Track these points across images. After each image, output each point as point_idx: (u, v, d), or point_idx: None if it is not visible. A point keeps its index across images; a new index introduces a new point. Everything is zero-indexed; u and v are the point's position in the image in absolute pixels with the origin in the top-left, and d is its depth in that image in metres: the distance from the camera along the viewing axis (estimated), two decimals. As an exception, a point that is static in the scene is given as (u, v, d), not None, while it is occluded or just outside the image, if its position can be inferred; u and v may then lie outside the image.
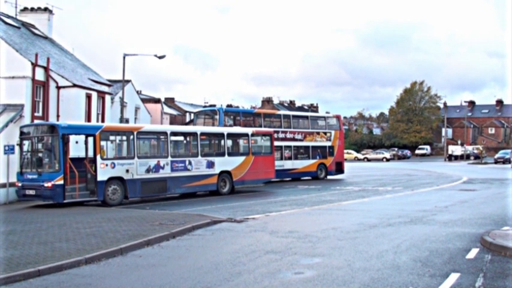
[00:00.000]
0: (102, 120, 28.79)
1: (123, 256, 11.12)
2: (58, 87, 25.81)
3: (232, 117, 31.77)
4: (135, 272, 9.79)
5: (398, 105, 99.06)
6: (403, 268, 9.60)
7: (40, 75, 25.10)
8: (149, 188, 21.83)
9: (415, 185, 30.07)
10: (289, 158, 33.59)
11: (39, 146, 20.52)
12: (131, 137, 21.58)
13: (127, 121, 35.60)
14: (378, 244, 11.90)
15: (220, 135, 25.79)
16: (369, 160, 76.37)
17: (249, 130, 27.43)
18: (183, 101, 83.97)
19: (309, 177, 35.44)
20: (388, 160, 75.31)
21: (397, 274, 9.18)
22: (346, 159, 46.94)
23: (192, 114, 53.60)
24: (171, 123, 57.78)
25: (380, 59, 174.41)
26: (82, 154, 21.21)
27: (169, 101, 75.99)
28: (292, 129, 34.01)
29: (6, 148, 21.33)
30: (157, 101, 53.82)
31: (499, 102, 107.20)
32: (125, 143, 22.20)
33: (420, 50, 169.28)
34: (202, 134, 24.79)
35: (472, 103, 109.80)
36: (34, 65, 24.52)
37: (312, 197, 23.41)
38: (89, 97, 27.44)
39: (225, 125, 29.84)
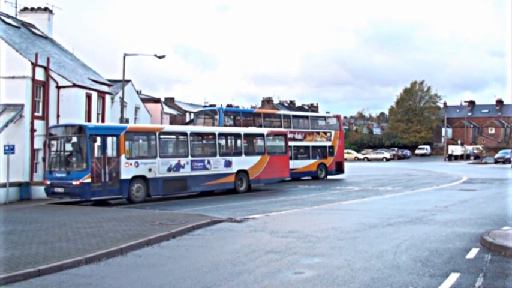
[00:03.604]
0: (102, 120, 28.77)
1: (123, 256, 11.12)
2: (58, 87, 25.79)
3: (232, 117, 31.77)
4: (135, 271, 9.80)
5: (399, 105, 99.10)
6: (403, 268, 9.60)
7: (40, 75, 25.09)
8: (170, 186, 22.65)
9: (415, 184, 30.07)
10: (290, 158, 33.52)
11: (67, 146, 21.06)
12: (153, 137, 22.35)
13: (127, 121, 35.59)
14: (377, 244, 11.90)
15: (237, 136, 26.61)
16: (369, 160, 76.38)
17: (265, 130, 28.44)
18: (183, 101, 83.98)
19: (309, 177, 35.44)
20: (388, 160, 75.33)
21: (397, 274, 9.19)
22: (346, 159, 46.92)
23: (192, 114, 53.59)
24: (171, 123, 57.73)
25: (381, 58, 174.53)
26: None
27: (169, 101, 75.96)
28: (292, 129, 33.97)
29: (6, 148, 21.34)
30: (157, 100, 53.80)
31: (499, 102, 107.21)
32: (147, 143, 22.78)
33: (421, 49, 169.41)
34: (220, 134, 25.56)
35: (472, 103, 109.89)
36: (34, 64, 24.51)
37: (312, 197, 23.42)
38: (88, 97, 27.43)
39: (225, 125, 29.87)
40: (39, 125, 24.88)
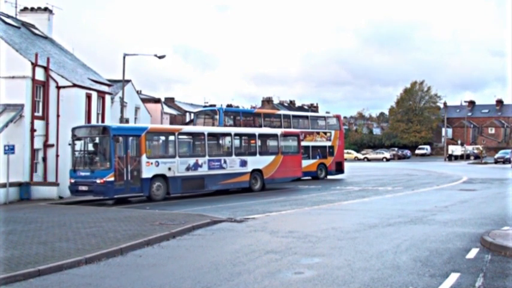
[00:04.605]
0: (102, 121, 28.72)
1: (123, 256, 11.12)
2: (58, 87, 25.74)
3: (232, 117, 31.76)
4: (135, 272, 9.80)
5: (399, 105, 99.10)
6: (403, 268, 9.61)
7: (40, 75, 25.05)
8: (189, 185, 23.49)
9: (415, 184, 30.07)
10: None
11: (91, 146, 21.81)
12: (172, 137, 23.20)
13: (127, 121, 35.55)
14: (377, 244, 11.90)
15: (252, 136, 27.56)
16: (369, 160, 76.38)
17: (278, 131, 29.45)
18: (183, 101, 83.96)
19: (309, 177, 35.43)
20: (388, 160, 75.32)
21: (397, 274, 9.19)
22: (346, 159, 46.91)
23: (192, 114, 53.56)
24: (171, 123, 57.68)
25: (381, 58, 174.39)
26: None
27: (169, 101, 75.94)
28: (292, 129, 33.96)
29: (6, 148, 21.34)
30: (157, 100, 53.75)
31: (499, 102, 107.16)
32: (167, 143, 23.56)
33: (421, 49, 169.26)
34: (235, 134, 26.62)
35: (472, 103, 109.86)
36: (34, 64, 24.48)
37: (312, 197, 23.43)
38: (89, 97, 27.39)
39: (225, 125, 29.90)
40: (39, 125, 24.85)
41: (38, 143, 24.94)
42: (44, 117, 25.23)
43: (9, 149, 21.36)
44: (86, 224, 14.87)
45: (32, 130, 24.41)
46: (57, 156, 25.30)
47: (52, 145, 25.37)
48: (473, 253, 10.85)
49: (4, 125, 22.97)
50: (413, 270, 9.42)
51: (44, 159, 25.32)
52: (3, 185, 21.69)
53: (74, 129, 22.33)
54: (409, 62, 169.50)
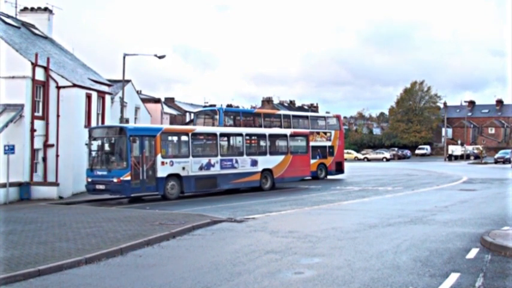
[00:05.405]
0: (102, 121, 28.74)
1: (123, 256, 11.13)
2: (58, 87, 25.74)
3: (232, 117, 31.75)
4: (135, 272, 9.80)
5: (399, 105, 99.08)
6: (403, 268, 9.61)
7: (40, 75, 25.06)
8: (202, 184, 24.12)
9: (415, 184, 30.07)
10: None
11: (108, 146, 22.45)
12: (186, 137, 23.91)
13: (127, 121, 35.54)
14: (378, 244, 11.91)
15: (263, 136, 28.23)
16: (369, 160, 76.36)
17: (288, 131, 30.20)
18: (183, 101, 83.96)
19: (309, 177, 35.41)
20: (388, 160, 75.31)
21: (397, 274, 9.19)
22: (346, 159, 46.91)
23: (192, 114, 53.55)
24: (171, 123, 57.68)
25: (381, 58, 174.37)
26: None
27: (169, 101, 75.96)
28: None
29: (6, 148, 21.35)
30: (157, 100, 53.72)
31: (499, 102, 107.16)
32: (181, 143, 24.11)
33: (421, 49, 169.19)
34: (247, 134, 27.29)
35: (472, 103, 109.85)
36: (34, 64, 24.48)
37: (312, 197, 23.43)
38: (88, 97, 27.40)
39: (225, 125, 29.91)
40: (39, 125, 24.86)
41: (38, 143, 24.95)
42: (44, 117, 25.23)
43: (9, 149, 21.37)
44: (86, 224, 14.88)
45: (32, 130, 24.42)
46: (57, 156, 25.31)
47: (52, 145, 25.38)
48: (473, 253, 10.85)
49: (4, 125, 22.97)
50: (413, 270, 9.42)
51: (44, 159, 25.33)
52: (3, 185, 21.70)
53: (90, 130, 22.86)
54: (409, 62, 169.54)
